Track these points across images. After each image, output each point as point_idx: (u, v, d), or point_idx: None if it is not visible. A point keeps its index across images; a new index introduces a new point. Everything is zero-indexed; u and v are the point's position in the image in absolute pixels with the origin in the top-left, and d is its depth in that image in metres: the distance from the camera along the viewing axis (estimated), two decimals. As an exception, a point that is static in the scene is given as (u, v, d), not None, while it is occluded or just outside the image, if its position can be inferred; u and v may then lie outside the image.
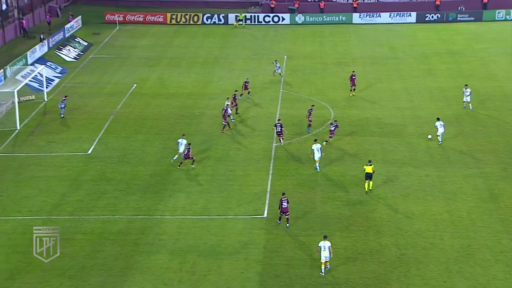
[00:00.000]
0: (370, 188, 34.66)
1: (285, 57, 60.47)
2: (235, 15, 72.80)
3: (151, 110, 46.84)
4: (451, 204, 33.51)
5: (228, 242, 30.24)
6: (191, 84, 52.93)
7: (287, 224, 31.46)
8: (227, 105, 43.85)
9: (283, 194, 32.03)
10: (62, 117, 45.16)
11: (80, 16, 71.73)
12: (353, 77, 49.84)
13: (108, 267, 28.39)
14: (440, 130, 40.20)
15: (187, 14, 74.04)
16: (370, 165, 34.63)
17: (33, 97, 48.89)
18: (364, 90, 50.99)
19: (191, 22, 73.67)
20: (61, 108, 45.37)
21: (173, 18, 73.86)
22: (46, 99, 48.53)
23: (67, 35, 65.98)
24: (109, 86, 52.49)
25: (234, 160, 38.67)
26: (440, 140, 40.25)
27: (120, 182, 35.87)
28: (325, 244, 27.82)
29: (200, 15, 73.94)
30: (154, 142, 41.14)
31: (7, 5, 64.83)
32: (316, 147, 36.89)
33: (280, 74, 52.95)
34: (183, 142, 38.03)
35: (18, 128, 43.05)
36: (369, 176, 34.43)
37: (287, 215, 31.39)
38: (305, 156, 38.57)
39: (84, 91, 51.04)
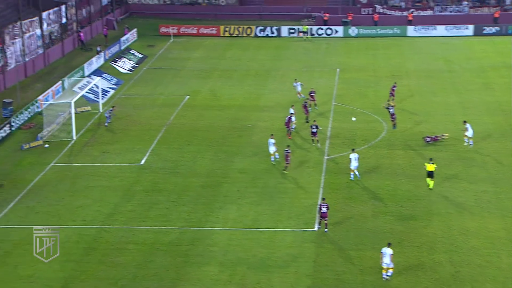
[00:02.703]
0: (431, 187, 34.38)
1: (338, 70, 60.25)
2: (299, 28, 72.94)
3: (203, 122, 47.29)
4: (508, 222, 32.64)
5: (277, 255, 30.18)
6: (243, 96, 53.24)
7: (326, 229, 31.56)
8: (291, 113, 44.12)
9: (323, 199, 32.38)
10: (106, 125, 46.09)
11: (135, 29, 73.20)
12: (394, 88, 49.89)
13: (159, 277, 28.70)
14: (469, 132, 39.88)
15: (240, 27, 74.68)
16: (432, 163, 34.89)
17: (89, 108, 50.06)
18: (418, 103, 50.32)
19: (244, 35, 74.23)
20: (107, 117, 46.32)
21: (226, 31, 74.59)
22: (101, 110, 49.59)
23: (122, 47, 67.41)
24: (162, 97, 53.30)
25: (285, 172, 38.60)
26: (470, 143, 40.42)
27: (171, 193, 36.29)
28: (386, 251, 27.95)
29: (253, 27, 74.46)
30: (206, 154, 41.50)
31: (66, 18, 66.76)
32: (353, 156, 36.94)
33: (299, 93, 50.08)
34: (271, 141, 39.26)
35: (74, 138, 44.11)
36: (430, 174, 34.57)
37: (326, 220, 31.55)
38: (358, 169, 38.20)
39: (138, 103, 51.96)
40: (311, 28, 73.08)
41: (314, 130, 41.60)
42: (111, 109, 47.76)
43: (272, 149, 39.49)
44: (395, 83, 51.55)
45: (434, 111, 48.59)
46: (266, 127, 45.54)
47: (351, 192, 36.10)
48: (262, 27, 74.41)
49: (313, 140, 41.87)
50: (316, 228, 32.22)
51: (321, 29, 73.71)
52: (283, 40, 72.24)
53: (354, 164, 36.90)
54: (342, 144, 42.21)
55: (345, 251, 30.41)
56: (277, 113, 47.99)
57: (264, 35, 73.99)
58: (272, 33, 74.00)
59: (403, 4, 79.61)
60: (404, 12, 77.09)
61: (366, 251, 30.22)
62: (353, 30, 73.68)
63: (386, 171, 38.57)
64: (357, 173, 37.20)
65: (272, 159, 39.73)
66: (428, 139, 42.31)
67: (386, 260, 27.97)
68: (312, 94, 49.09)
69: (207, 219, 33.46)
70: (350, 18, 75.26)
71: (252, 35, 74.08)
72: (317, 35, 73.13)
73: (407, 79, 56.32)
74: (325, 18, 75.65)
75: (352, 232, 31.96)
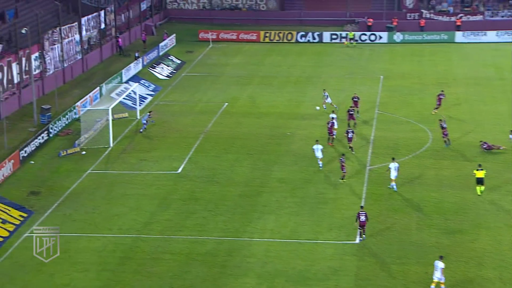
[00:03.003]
0: (480, 193, 34.07)
1: (381, 77, 59.80)
2: (346, 33, 72.74)
3: (242, 130, 47.42)
4: (561, 237, 31.84)
5: (317, 267, 30.01)
6: (283, 103, 53.23)
7: (363, 236, 31.62)
8: (333, 118, 44.07)
9: (361, 207, 32.38)
10: (141, 132, 46.61)
11: (174, 34, 73.94)
12: (441, 97, 49.24)
13: (195, 288, 28.82)
14: None
15: (280, 32, 74.79)
16: (481, 170, 34.56)
17: (126, 114, 50.67)
18: (466, 112, 49.58)
19: (285, 41, 74.30)
20: (144, 123, 46.85)
21: (267, 36, 74.76)
22: (138, 117, 50.16)
23: (161, 53, 68.15)
24: (200, 104, 53.66)
25: (326, 182, 38.46)
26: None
27: (209, 202, 36.43)
28: (437, 264, 27.76)
29: (294, 33, 74.49)
30: (244, 162, 41.57)
31: (105, 23, 67.90)
32: (393, 165, 36.82)
33: (331, 104, 49.42)
34: (318, 147, 39.65)
35: (111, 145, 44.67)
36: (480, 181, 34.39)
37: (364, 228, 31.62)
38: (400, 179, 37.84)
39: (176, 109, 52.42)
40: (354, 34, 72.73)
41: (350, 135, 41.74)
42: (148, 114, 48.32)
43: (318, 155, 39.88)
44: (442, 91, 50.86)
45: (483, 121, 47.79)
46: (306, 135, 45.43)
47: (394, 203, 35.70)
48: (303, 33, 74.37)
49: (350, 147, 41.99)
50: (357, 241, 31.96)
51: (365, 35, 73.29)
52: (324, 46, 72.04)
53: (394, 173, 36.74)
54: (385, 153, 41.82)
55: (387, 265, 30.06)
56: (317, 121, 47.83)
57: (305, 40, 73.93)
58: (314, 38, 73.88)
59: (451, 9, 78.64)
60: (452, 18, 76.15)
61: (409, 265, 29.82)
62: (398, 36, 73.07)
63: (431, 182, 38.05)
64: (394, 184, 36.94)
65: (320, 165, 39.94)
66: (485, 146, 41.68)
67: (437, 274, 27.69)
68: (355, 100, 48.85)
69: (244, 229, 33.47)
70: (395, 23, 74.67)
71: (293, 40, 74.09)
72: (360, 41, 72.74)
73: (455, 86, 55.55)
74: (369, 23, 75.21)
75: (395, 245, 31.59)
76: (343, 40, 72.55)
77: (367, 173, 39.44)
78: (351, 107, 47.60)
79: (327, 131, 43.66)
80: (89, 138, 45.64)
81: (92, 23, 64.84)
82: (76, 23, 61.36)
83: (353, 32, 72.73)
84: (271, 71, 63.23)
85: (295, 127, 47.45)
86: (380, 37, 73.14)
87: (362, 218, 31.67)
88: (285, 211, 35.17)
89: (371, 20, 75.42)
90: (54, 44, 57.14)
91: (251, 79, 60.37)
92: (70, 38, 60.06)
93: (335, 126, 43.66)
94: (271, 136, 46.02)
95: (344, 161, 38.51)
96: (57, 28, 57.65)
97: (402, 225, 33.42)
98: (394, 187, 36.87)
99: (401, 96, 54.20)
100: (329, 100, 49.78)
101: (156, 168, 41.03)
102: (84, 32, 62.75)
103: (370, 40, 73.08)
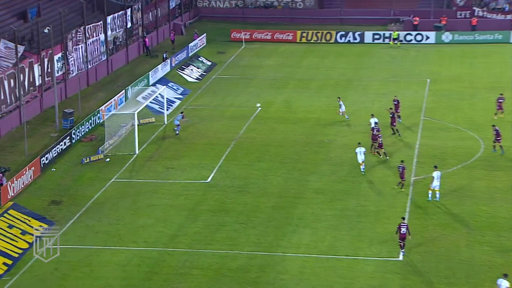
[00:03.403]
0: None
1: (428, 80, 59.36)
2: (390, 33, 72.46)
3: (276, 136, 47.49)
4: None
5: (357, 286, 29.86)
6: (321, 108, 53.17)
7: (403, 250, 31.59)
8: (376, 123, 44.13)
9: (403, 218, 32.41)
10: (177, 134, 47.40)
11: (205, 34, 74.43)
12: (500, 101, 48.92)
13: (224, 306, 28.92)
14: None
15: (319, 32, 74.77)
16: None
17: (153, 119, 51.15)
18: (521, 118, 48.97)
19: (323, 41, 74.26)
20: (177, 125, 47.54)
21: (304, 36, 74.82)
22: (166, 122, 50.57)
23: (190, 54, 68.67)
24: (232, 109, 53.89)
25: (366, 194, 38.30)
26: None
27: (240, 214, 36.54)
28: (501, 283, 27.81)
29: (333, 33, 74.40)
30: (278, 172, 41.60)
31: (132, 22, 68.64)
32: (436, 174, 36.82)
33: (343, 114, 49.38)
34: (361, 150, 40.18)
35: (137, 152, 45.09)
36: None
37: (404, 242, 31.59)
38: (448, 191, 37.48)
39: (206, 114, 52.72)
40: (398, 34, 72.32)
41: (381, 139, 41.88)
42: (181, 114, 48.79)
43: (360, 158, 40.07)
44: (501, 94, 50.18)
45: (541, 128, 47.09)
46: (345, 143, 45.31)
47: (441, 217, 35.37)
48: (343, 32, 74.23)
49: (378, 152, 42.29)
50: (401, 257, 31.73)
51: (410, 34, 72.84)
52: (366, 46, 71.80)
53: (436, 183, 36.65)
54: (432, 163, 41.46)
55: (434, 285, 29.79)
56: (358, 127, 47.67)
57: (346, 41, 73.75)
58: (355, 39, 73.68)
59: (506, 6, 77.66)
60: (507, 16, 75.20)
61: (459, 286, 29.51)
62: (447, 36, 72.46)
63: (483, 195, 37.60)
64: (437, 194, 36.78)
65: (363, 168, 40.16)
66: None
67: None
68: (396, 103, 48.61)
69: (278, 243, 33.48)
70: (443, 22, 74.09)
71: (332, 41, 73.99)
72: (405, 42, 72.27)
73: (510, 91, 54.80)
74: (415, 22, 74.75)
75: (443, 264, 31.29)
76: (387, 41, 72.18)
77: (412, 184, 39.13)
78: (390, 108, 47.39)
79: (371, 138, 43.51)
80: (114, 144, 46.15)
81: (117, 22, 65.64)
82: (101, 22, 62.18)
83: (397, 32, 72.33)
84: (308, 73, 63.19)
85: (333, 134, 47.33)
86: (427, 37, 72.60)
87: (403, 230, 31.65)
88: (322, 224, 35.08)
89: (417, 18, 74.93)
90: (78, 44, 57.96)
91: (287, 82, 60.42)
92: (94, 38, 60.88)
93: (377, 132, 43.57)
94: (308, 143, 45.98)
95: (404, 168, 38.50)
96: (81, 28, 58.48)
97: (450, 242, 33.07)
98: (437, 196, 36.67)
99: (450, 101, 53.71)
100: (343, 108, 49.56)
101: (184, 177, 41.28)
102: (109, 32, 63.56)
103: (416, 41, 72.59)
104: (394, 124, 46.12)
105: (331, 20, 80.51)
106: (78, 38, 57.94)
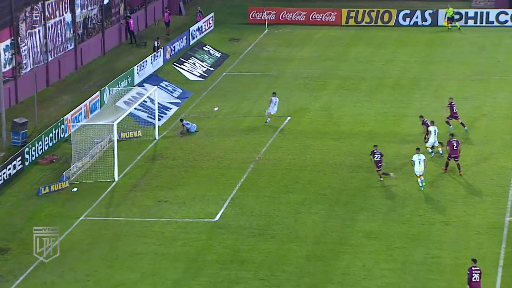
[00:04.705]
0: None
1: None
2: (474, 12, 72.56)
3: (311, 157, 47.49)
4: None
5: None
6: (374, 118, 53.20)
7: None
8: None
9: (474, 261, 32.40)
10: (182, 134, 49.22)
11: (212, 14, 74.73)
12: None
13: None
14: None
15: (373, 11, 74.97)
16: None
17: (139, 133, 51.29)
18: None
19: (379, 23, 74.47)
20: (189, 127, 49.16)
21: (351, 17, 75.10)
22: (157, 137, 50.68)
23: (192, 42, 68.97)
24: (249, 118, 53.98)
25: (440, 239, 38.16)
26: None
27: (260, 266, 36.44)
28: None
29: (394, 12, 74.59)
30: (314, 207, 41.55)
31: (109, -2, 69.05)
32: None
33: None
34: (420, 158, 42.10)
35: (116, 179, 45.19)
36: None
37: None
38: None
39: (213, 126, 52.79)
40: (487, 13, 71.99)
41: (378, 157, 43.76)
42: (193, 125, 50.90)
43: (419, 169, 41.08)
44: None
45: None
46: (408, 165, 45.00)
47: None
48: (407, 11, 74.41)
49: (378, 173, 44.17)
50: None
51: (505, 13, 72.61)
52: (440, 31, 71.78)
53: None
54: (533, 196, 41.39)
55: None
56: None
57: (411, 23, 73.85)
58: (424, 20, 73.83)
59: None
60: None
61: None
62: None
63: None
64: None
65: (420, 182, 41.84)
66: None
67: None
68: (452, 105, 49.27)
69: (314, 309, 33.45)
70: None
71: (391, 23, 74.19)
72: (497, 24, 72.03)
73: None
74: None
75: None
76: (470, 22, 71.97)
77: (506, 228, 38.86)
78: (449, 116, 48.73)
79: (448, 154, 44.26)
80: (84, 168, 46.29)
81: (90, -3, 66.14)
82: (67, -4, 62.60)
83: (452, 9, 71.86)
84: (357, 69, 63.31)
85: (393, 154, 47.24)
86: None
87: (476, 277, 31.66)
88: (377, 282, 34.95)
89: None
90: (34, 28, 58.29)
91: (327, 82, 60.53)
92: (57, 19, 61.22)
93: (436, 143, 45.30)
94: (356, 167, 45.95)
95: None
96: (39, 3, 58.82)
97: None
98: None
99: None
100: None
101: (182, 214, 41.30)
102: (78, 10, 63.95)
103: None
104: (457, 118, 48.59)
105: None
106: (34, 18, 58.25)
